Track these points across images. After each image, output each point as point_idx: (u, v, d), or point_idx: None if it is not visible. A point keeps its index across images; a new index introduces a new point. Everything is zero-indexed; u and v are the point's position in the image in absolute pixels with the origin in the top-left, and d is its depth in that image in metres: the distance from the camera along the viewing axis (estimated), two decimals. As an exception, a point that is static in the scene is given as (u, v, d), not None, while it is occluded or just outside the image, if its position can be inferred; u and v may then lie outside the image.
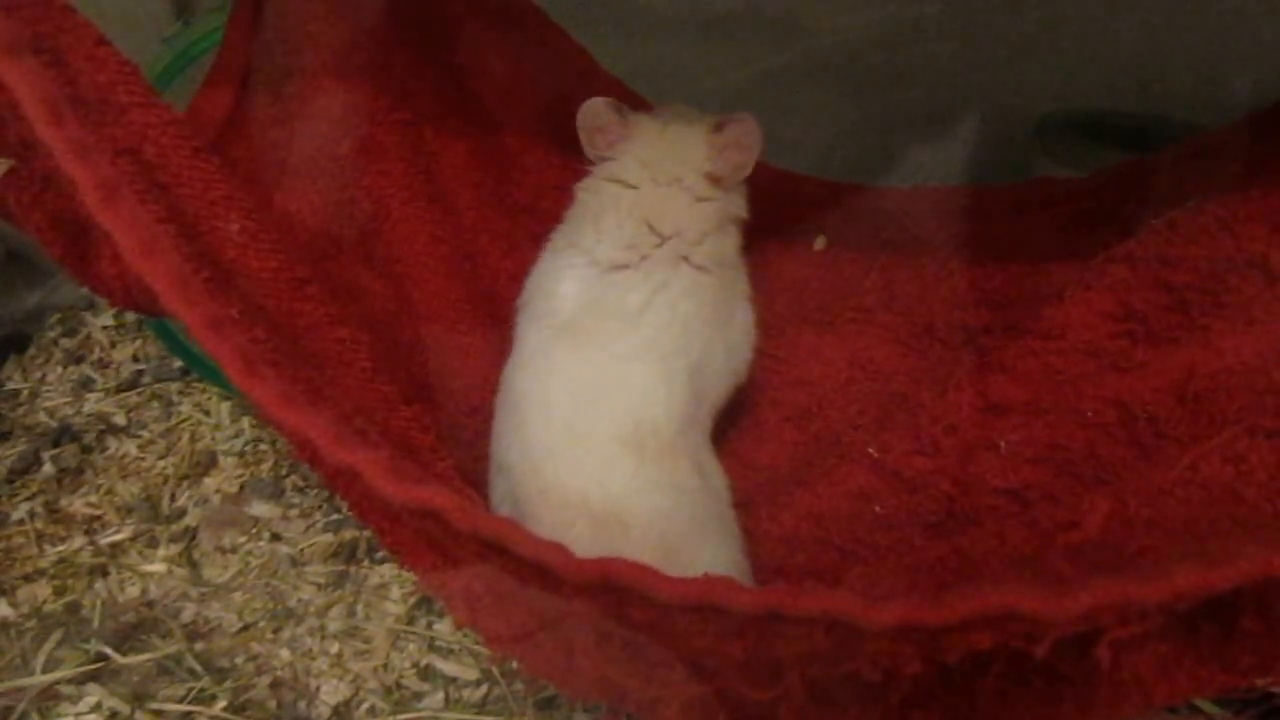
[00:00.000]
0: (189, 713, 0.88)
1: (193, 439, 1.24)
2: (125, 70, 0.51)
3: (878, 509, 0.81)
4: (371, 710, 0.90)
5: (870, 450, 0.85)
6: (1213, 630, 0.41)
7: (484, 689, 0.92)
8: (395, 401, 0.57)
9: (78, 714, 0.88)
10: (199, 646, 0.96)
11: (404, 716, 0.89)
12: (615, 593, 0.37)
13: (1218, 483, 0.47)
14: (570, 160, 1.04)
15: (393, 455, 0.36)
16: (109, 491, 1.16)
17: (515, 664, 0.93)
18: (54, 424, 1.26)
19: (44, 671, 0.92)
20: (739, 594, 0.36)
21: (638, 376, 0.77)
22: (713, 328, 0.84)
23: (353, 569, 1.06)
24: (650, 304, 0.81)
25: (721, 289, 0.87)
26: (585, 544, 0.68)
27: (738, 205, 0.89)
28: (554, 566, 0.36)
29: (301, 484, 1.17)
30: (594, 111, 0.87)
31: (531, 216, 1.05)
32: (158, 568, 1.06)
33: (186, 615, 1.00)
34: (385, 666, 0.94)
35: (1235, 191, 0.64)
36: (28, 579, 1.04)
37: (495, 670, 0.93)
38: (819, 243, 1.03)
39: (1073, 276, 0.74)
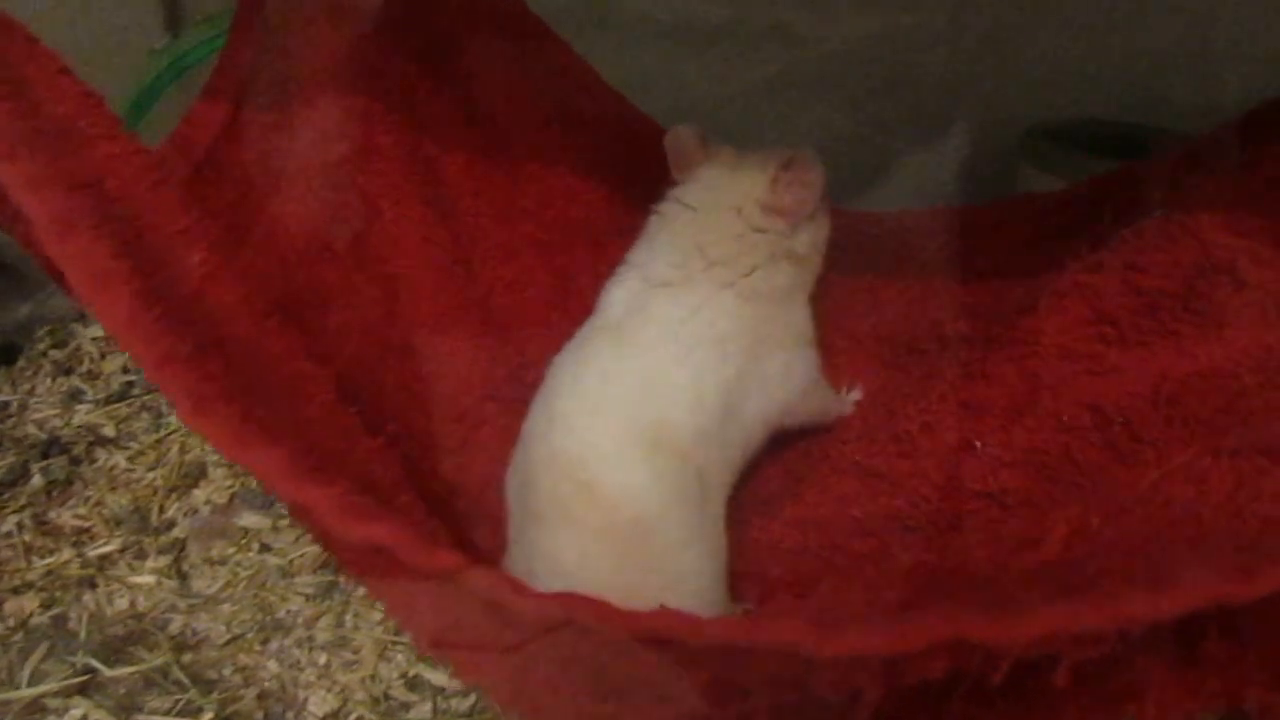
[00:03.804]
0: (176, 726, 0.89)
1: (182, 450, 1.24)
2: (89, 101, 0.51)
3: (856, 513, 0.82)
4: (359, 721, 0.91)
5: (856, 458, 0.87)
6: (1179, 654, 0.41)
7: (471, 698, 0.92)
8: (358, 433, 0.57)
9: (65, 728, 0.89)
10: (186, 658, 0.96)
11: (390, 727, 0.89)
12: (574, 627, 0.37)
13: (1179, 502, 0.48)
14: (575, 168, 1.05)
15: (346, 490, 0.36)
16: (98, 503, 1.16)
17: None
18: (43, 436, 1.26)
19: (30, 684, 0.92)
20: (693, 627, 0.36)
21: (669, 378, 0.78)
22: (750, 358, 0.82)
23: (341, 579, 1.06)
24: (689, 320, 0.81)
25: (765, 323, 0.84)
26: (580, 521, 0.70)
27: (800, 242, 0.87)
28: (509, 603, 0.36)
29: (290, 493, 1.17)
30: (677, 135, 0.90)
31: (537, 224, 1.05)
32: (146, 579, 1.06)
33: (174, 627, 1.00)
34: (373, 677, 0.95)
35: (1204, 199, 0.65)
36: (15, 591, 1.04)
37: (482, 679, 0.93)
38: None
39: (1049, 286, 0.75)
